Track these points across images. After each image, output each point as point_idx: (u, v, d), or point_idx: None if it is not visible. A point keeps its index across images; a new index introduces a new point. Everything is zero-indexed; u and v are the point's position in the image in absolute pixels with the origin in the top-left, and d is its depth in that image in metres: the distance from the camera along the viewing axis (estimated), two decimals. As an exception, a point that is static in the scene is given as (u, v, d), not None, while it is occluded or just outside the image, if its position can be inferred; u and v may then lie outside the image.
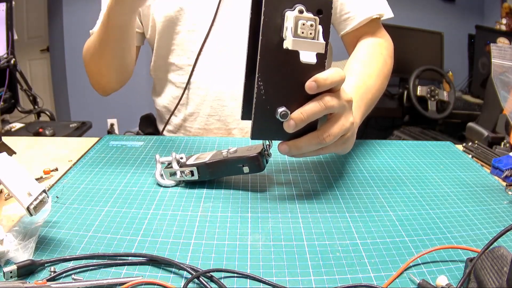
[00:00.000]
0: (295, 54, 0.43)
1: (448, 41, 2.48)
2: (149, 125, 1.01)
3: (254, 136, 0.47)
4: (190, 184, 0.54)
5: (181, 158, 0.56)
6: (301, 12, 0.42)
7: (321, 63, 0.45)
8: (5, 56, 1.45)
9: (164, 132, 0.87)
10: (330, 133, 0.47)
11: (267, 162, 0.52)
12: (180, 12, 0.76)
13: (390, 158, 0.66)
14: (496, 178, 0.60)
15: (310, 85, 0.44)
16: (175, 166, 0.53)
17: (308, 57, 0.43)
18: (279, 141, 0.49)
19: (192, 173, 0.52)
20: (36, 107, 1.59)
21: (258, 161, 0.50)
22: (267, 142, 0.51)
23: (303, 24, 0.42)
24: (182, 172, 0.52)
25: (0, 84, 1.44)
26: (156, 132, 0.94)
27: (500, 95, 0.64)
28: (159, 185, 0.53)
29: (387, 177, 0.59)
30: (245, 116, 0.50)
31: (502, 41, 2.18)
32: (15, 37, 1.53)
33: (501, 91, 0.64)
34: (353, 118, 0.52)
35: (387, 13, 0.79)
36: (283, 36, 0.43)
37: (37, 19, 2.60)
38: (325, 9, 0.44)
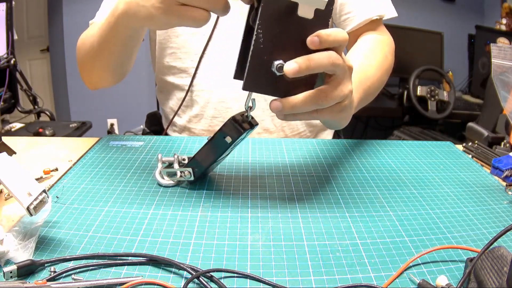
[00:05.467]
0: (297, 6, 0.41)
1: (448, 41, 2.48)
2: (155, 123, 1.02)
3: (246, 86, 0.44)
4: (190, 184, 0.54)
5: (184, 159, 0.56)
6: None
7: (324, 21, 0.43)
8: (5, 56, 1.45)
9: (170, 132, 0.87)
10: (328, 95, 0.44)
11: (252, 126, 0.49)
12: None
13: (390, 158, 0.66)
14: (496, 178, 0.60)
15: (312, 39, 0.42)
16: (176, 167, 0.53)
17: (305, 11, 0.41)
18: (271, 99, 0.45)
19: (190, 173, 0.52)
20: (36, 107, 1.60)
21: (232, 125, 0.47)
22: (250, 104, 0.47)
23: None
24: (181, 172, 0.52)
25: (0, 84, 1.45)
26: (161, 130, 0.94)
27: (500, 95, 0.64)
28: (159, 184, 0.53)
29: (387, 177, 0.59)
30: (237, 75, 0.47)
31: (502, 41, 2.18)
32: (15, 37, 1.53)
33: (501, 91, 0.64)
34: (352, 89, 0.49)
35: (389, 13, 0.77)
36: None
37: (37, 19, 2.60)
38: None
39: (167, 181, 0.53)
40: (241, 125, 0.47)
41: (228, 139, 0.48)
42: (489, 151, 0.69)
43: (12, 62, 1.44)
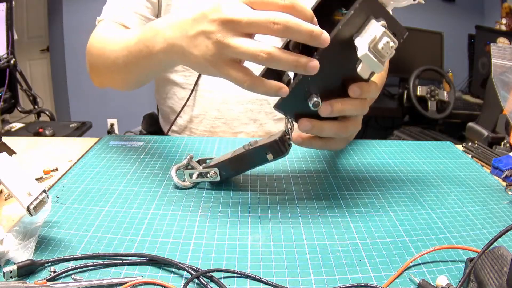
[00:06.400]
0: (355, 58, 0.43)
1: (448, 41, 2.48)
2: (153, 124, 1.01)
3: (279, 106, 0.47)
4: (212, 185, 0.54)
5: (207, 173, 0.55)
6: (384, 27, 0.42)
7: (370, 77, 0.46)
8: (5, 56, 1.45)
9: (169, 133, 0.86)
10: (348, 128, 0.49)
11: (290, 147, 0.51)
12: None
13: (390, 158, 0.66)
14: (496, 178, 0.60)
15: (354, 90, 0.46)
16: (197, 169, 0.53)
17: (364, 71, 0.44)
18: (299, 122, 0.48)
19: (216, 173, 0.52)
20: (36, 107, 1.60)
21: (278, 146, 0.50)
22: (289, 126, 0.50)
23: (387, 42, 0.42)
24: (206, 173, 0.52)
25: (0, 84, 1.45)
26: (159, 130, 0.94)
27: (500, 95, 0.64)
28: (176, 186, 0.53)
29: (387, 177, 0.59)
30: (265, 75, 0.48)
31: (502, 41, 2.18)
32: (15, 37, 1.53)
33: (501, 91, 0.64)
34: None
35: None
36: (357, 37, 0.43)
37: (37, 19, 2.60)
38: (399, 34, 0.45)
39: (185, 182, 0.53)
40: (285, 146, 0.51)
41: (270, 157, 0.51)
42: (489, 151, 0.69)
43: (12, 62, 1.44)
